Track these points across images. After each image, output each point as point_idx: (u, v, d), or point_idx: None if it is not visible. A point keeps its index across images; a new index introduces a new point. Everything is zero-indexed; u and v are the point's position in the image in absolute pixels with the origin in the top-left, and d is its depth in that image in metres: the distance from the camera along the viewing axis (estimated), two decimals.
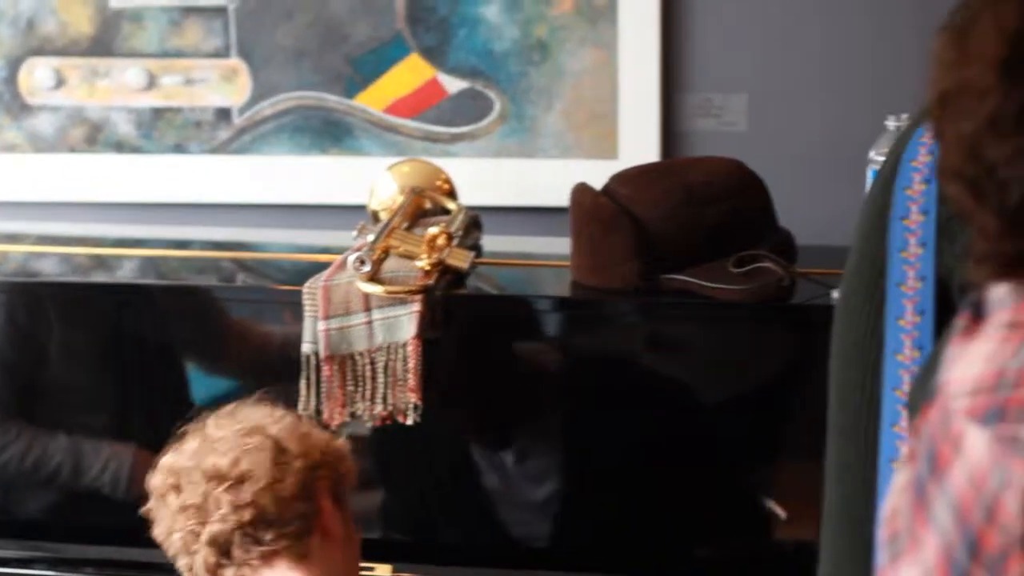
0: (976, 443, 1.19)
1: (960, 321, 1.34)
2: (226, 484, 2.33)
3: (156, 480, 2.42)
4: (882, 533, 1.35)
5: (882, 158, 2.21)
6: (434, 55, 4.02)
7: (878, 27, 3.83)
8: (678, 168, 3.25)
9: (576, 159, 3.97)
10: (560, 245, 3.26)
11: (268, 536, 2.34)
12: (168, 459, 2.44)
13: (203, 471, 2.36)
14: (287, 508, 2.35)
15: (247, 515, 2.33)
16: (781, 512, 3.03)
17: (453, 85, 4.03)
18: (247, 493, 2.33)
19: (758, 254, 3.02)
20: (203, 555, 2.34)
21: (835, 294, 2.26)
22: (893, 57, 3.80)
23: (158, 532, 2.41)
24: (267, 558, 2.34)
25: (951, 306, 1.74)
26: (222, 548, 2.34)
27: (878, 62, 3.84)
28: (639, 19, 3.90)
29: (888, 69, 3.81)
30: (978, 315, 1.31)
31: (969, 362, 1.26)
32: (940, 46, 1.23)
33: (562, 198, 3.24)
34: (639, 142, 3.92)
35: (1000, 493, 1.15)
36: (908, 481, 1.31)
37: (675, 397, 3.05)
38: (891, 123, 3.09)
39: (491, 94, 4.01)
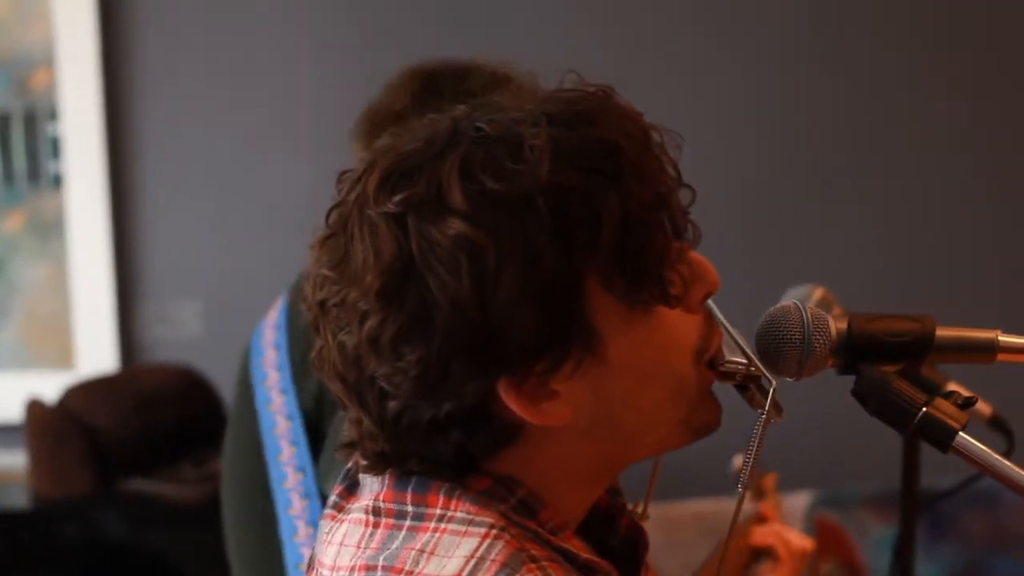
0: None
1: (334, 495, 1.36)
2: None
3: None
4: None
5: None
6: None
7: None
8: (130, 377, 3.37)
9: (34, 372, 3.99)
10: (20, 460, 3.29)
11: None
12: None
13: None
14: None
15: None
16: None
17: None
18: None
19: (211, 456, 3.14)
20: None
21: None
22: None
23: None
24: None
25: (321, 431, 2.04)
26: None
27: None
28: (88, 233, 3.99)
29: None
30: (351, 490, 1.35)
31: (340, 548, 1.29)
32: (319, 259, 1.26)
33: (19, 414, 3.28)
34: (96, 352, 3.99)
35: None
36: None
37: None
38: None
39: None
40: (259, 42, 4.04)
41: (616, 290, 1.23)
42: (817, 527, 3.89)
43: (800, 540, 2.15)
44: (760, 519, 2.19)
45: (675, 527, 3.43)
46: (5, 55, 4.02)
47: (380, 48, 3.89)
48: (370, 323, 1.22)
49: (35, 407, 3.20)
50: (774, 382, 1.33)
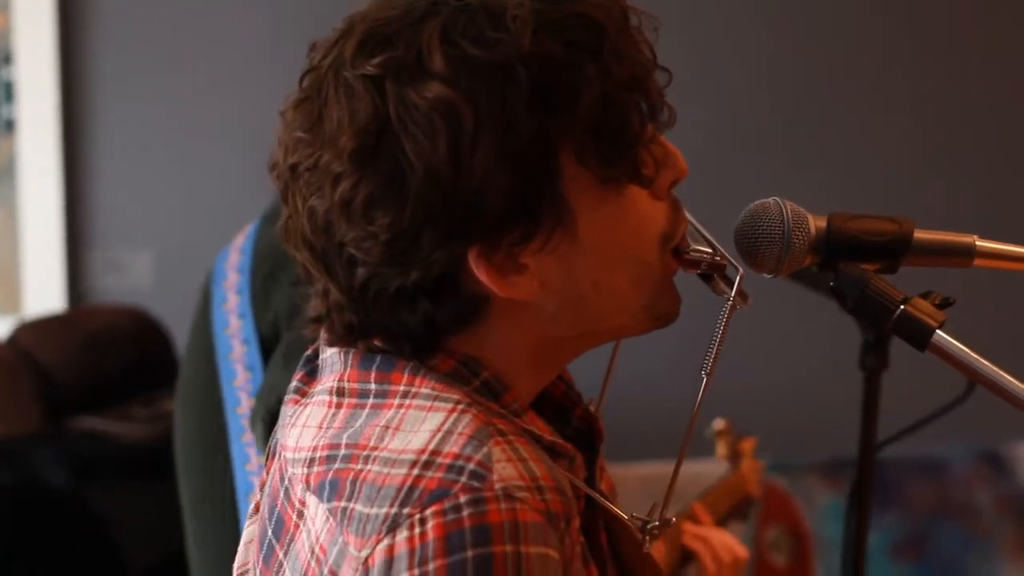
0: (316, 515, 1.23)
1: (295, 380, 1.36)
2: None
3: None
4: None
5: None
6: None
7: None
8: (81, 315, 3.36)
9: None
10: None
11: None
12: None
13: None
14: None
15: None
16: None
17: None
18: None
19: (162, 396, 3.14)
20: None
21: None
22: None
23: None
24: None
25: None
26: None
27: None
28: (40, 179, 3.96)
29: None
30: (311, 375, 1.35)
31: (303, 429, 1.28)
32: (291, 123, 1.26)
33: None
34: (44, 298, 3.95)
35: (338, 566, 1.19)
36: (256, 536, 1.35)
37: (93, 549, 3.11)
38: None
39: None
40: None
41: (590, 164, 1.24)
42: (764, 493, 3.91)
43: (730, 551, 2.13)
44: (691, 517, 2.18)
45: (621, 490, 3.44)
46: None
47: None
48: (343, 186, 1.22)
49: None
50: (740, 269, 1.35)
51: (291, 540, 1.26)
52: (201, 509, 2.11)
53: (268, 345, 2.07)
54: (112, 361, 3.15)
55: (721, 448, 2.34)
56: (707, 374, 1.35)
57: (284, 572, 1.26)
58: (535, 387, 1.33)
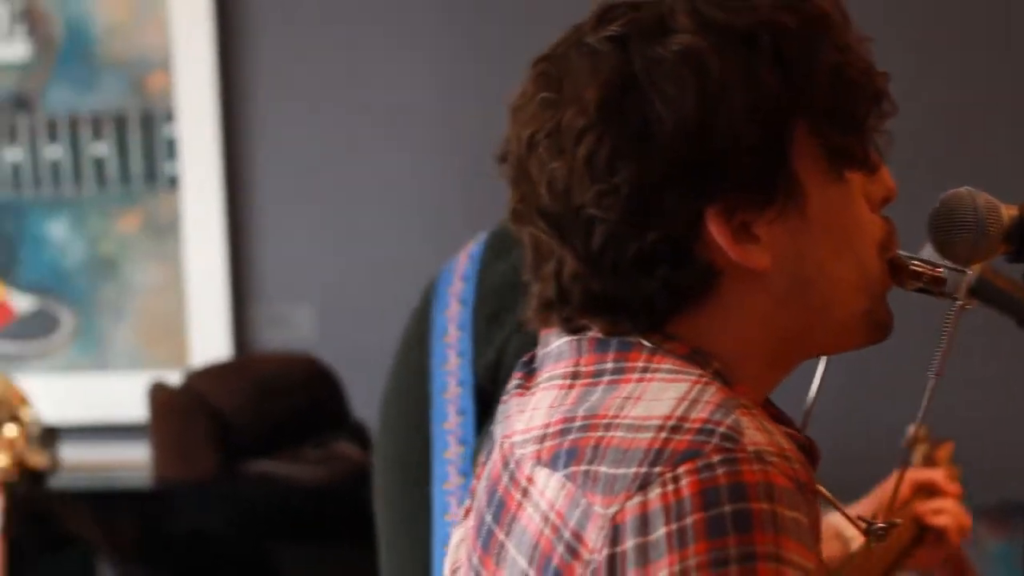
0: (547, 486, 1.22)
1: (515, 380, 1.37)
2: None
3: None
4: None
5: None
6: (1, 273, 4.04)
7: (441, 234, 4.03)
8: (253, 362, 3.39)
9: (148, 371, 4.01)
10: (138, 455, 3.33)
11: None
12: None
13: None
14: None
15: None
16: None
17: (21, 303, 4.04)
18: None
19: (333, 440, 3.16)
20: None
21: None
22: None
23: None
24: None
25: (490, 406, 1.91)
26: None
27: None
28: (203, 235, 4.02)
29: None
30: (531, 372, 1.34)
31: (533, 412, 1.29)
32: (533, 93, 1.28)
33: (135, 412, 3.30)
34: (210, 354, 4.00)
35: (581, 528, 1.18)
36: (469, 532, 1.33)
37: None
38: None
39: (60, 310, 4.04)
40: (375, 45, 4.07)
41: (824, 139, 1.26)
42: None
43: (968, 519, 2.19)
44: (927, 489, 2.16)
45: None
46: (122, 57, 4.07)
47: (493, 54, 3.91)
48: (587, 140, 1.24)
49: (159, 390, 3.23)
50: (969, 271, 1.37)
51: (513, 519, 1.26)
52: (395, 544, 2.05)
53: (481, 387, 2.00)
54: (285, 406, 3.19)
55: (916, 457, 2.33)
56: (935, 375, 1.37)
57: (507, 550, 1.26)
58: (759, 390, 1.32)
